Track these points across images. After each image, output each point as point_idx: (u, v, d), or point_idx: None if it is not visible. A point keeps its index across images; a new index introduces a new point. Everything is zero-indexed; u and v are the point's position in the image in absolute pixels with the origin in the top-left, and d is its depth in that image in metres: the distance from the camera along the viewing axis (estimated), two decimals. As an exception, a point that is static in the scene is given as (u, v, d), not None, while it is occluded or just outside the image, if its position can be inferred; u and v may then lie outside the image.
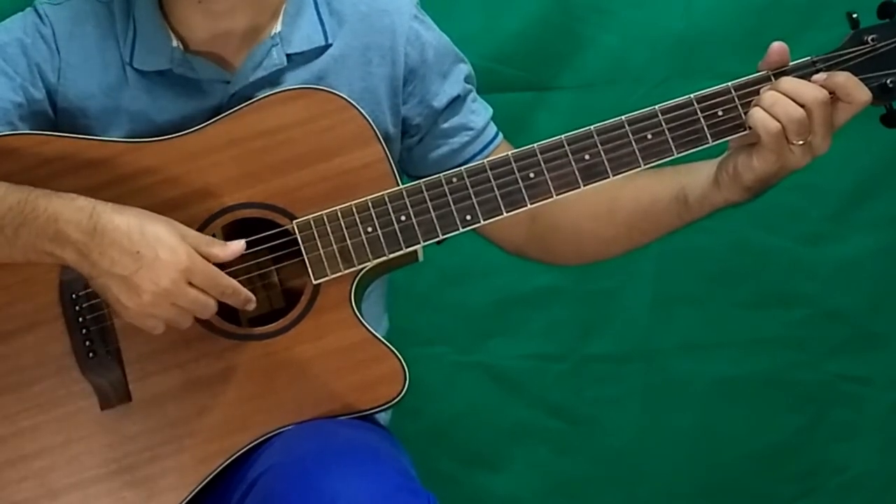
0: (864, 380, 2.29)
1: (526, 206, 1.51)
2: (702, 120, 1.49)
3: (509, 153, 1.51)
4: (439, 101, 1.65)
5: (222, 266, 1.47)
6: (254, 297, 1.49)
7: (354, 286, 1.51)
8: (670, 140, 1.49)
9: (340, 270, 1.50)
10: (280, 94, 1.55)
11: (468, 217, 1.51)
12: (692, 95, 1.49)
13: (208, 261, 1.46)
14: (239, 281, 1.51)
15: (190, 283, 1.44)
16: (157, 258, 1.43)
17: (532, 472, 2.29)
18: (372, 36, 1.62)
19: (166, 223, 1.46)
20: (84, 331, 1.50)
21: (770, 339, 2.26)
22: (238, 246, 1.48)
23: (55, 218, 1.44)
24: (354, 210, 1.50)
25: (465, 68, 1.68)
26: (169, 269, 1.43)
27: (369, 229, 1.50)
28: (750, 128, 1.46)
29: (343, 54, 1.61)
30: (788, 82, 1.45)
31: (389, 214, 1.51)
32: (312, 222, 1.51)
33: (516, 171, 1.50)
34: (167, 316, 1.45)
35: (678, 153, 1.50)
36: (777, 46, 1.48)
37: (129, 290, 1.44)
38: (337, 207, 1.51)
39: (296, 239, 1.51)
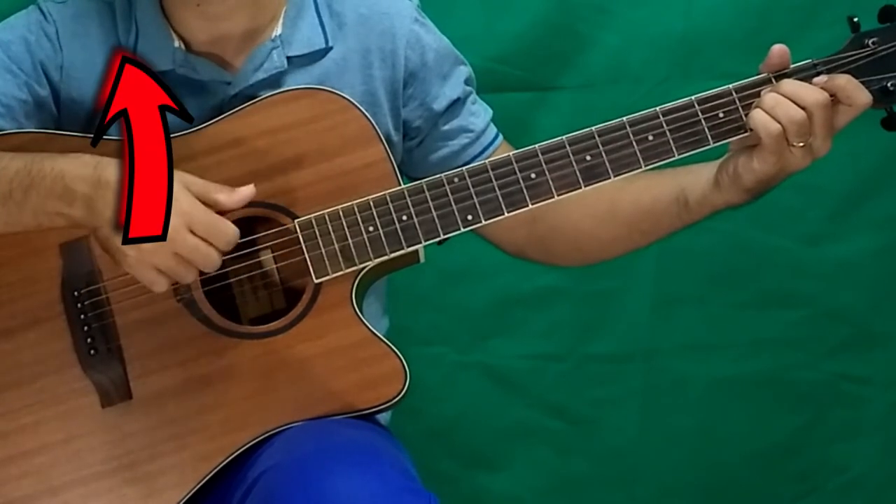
0: (864, 380, 2.29)
1: (527, 206, 1.51)
2: (703, 121, 1.49)
3: (511, 153, 1.52)
4: (439, 104, 1.65)
5: (223, 264, 1.47)
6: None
7: (356, 285, 1.51)
8: (671, 141, 1.49)
9: (342, 269, 1.50)
10: (283, 94, 1.55)
11: (469, 217, 1.51)
12: (693, 97, 1.49)
13: (215, 208, 1.45)
14: (240, 280, 1.52)
15: (192, 232, 1.43)
16: None
17: (532, 472, 2.28)
18: (372, 39, 1.62)
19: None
20: (85, 328, 1.50)
21: (770, 339, 2.26)
22: (248, 191, 1.48)
23: (62, 175, 1.44)
24: (356, 209, 1.51)
25: (465, 70, 1.68)
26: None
27: (371, 228, 1.51)
28: (751, 129, 1.46)
29: (344, 58, 1.61)
30: (789, 84, 1.45)
31: (391, 214, 1.51)
32: (314, 221, 1.51)
33: (517, 172, 1.50)
34: (167, 265, 1.44)
35: (679, 154, 1.50)
36: (778, 49, 1.48)
37: None
38: (338, 206, 1.51)
39: (297, 238, 1.51)
